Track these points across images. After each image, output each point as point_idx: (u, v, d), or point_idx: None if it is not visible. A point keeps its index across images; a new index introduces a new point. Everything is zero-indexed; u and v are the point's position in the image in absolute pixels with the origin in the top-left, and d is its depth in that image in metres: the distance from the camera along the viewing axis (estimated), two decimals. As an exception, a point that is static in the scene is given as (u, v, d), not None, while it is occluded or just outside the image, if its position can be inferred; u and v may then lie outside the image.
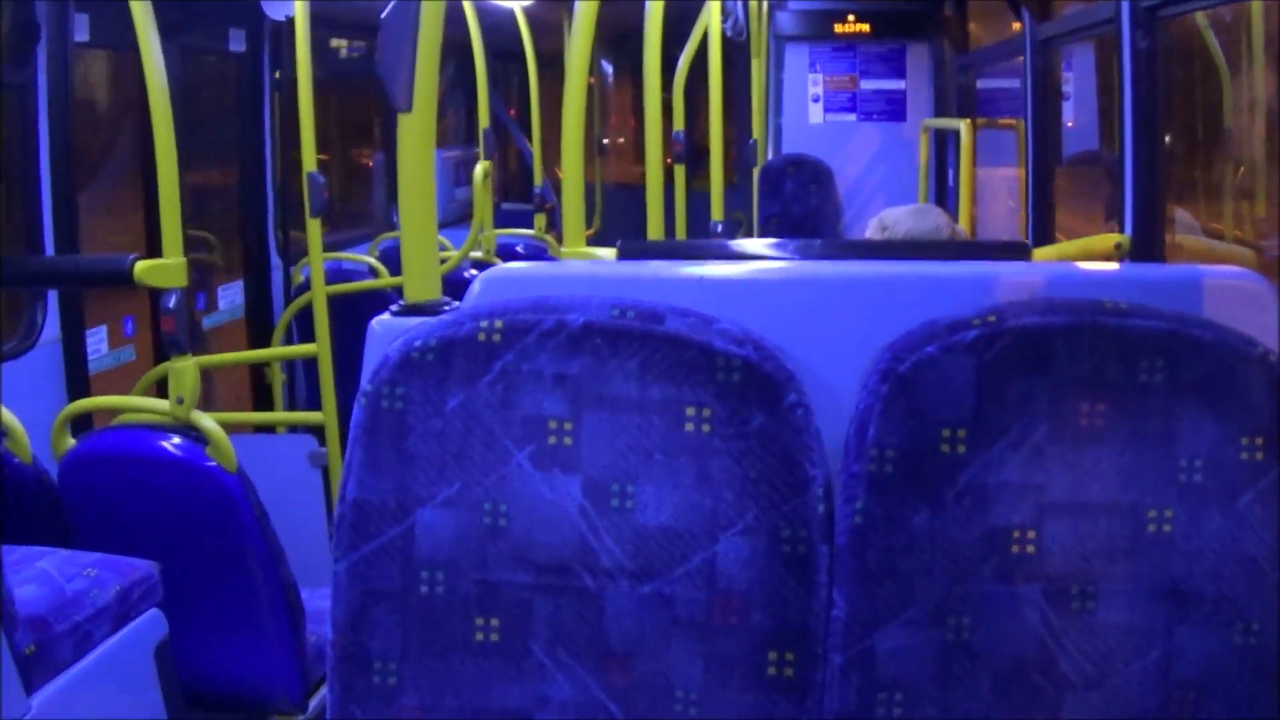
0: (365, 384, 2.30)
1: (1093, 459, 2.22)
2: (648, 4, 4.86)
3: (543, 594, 2.26)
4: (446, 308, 2.77)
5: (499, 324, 2.25)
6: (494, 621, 2.27)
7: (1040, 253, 4.51)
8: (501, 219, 10.44)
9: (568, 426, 2.24)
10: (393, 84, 2.71)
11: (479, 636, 2.27)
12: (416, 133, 2.78)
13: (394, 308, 2.81)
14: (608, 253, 3.07)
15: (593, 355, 2.23)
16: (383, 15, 2.70)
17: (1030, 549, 2.22)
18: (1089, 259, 4.38)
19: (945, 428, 2.21)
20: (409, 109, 2.73)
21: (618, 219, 11.94)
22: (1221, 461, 2.20)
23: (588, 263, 3.01)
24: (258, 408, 7.50)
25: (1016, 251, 3.15)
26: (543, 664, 2.27)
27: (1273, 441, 2.19)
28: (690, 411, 2.23)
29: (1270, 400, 2.19)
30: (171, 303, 4.14)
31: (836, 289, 2.53)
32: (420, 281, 2.84)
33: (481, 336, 2.25)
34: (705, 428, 2.23)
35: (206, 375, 6.54)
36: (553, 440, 2.25)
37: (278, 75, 7.56)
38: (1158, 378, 2.20)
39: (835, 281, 2.56)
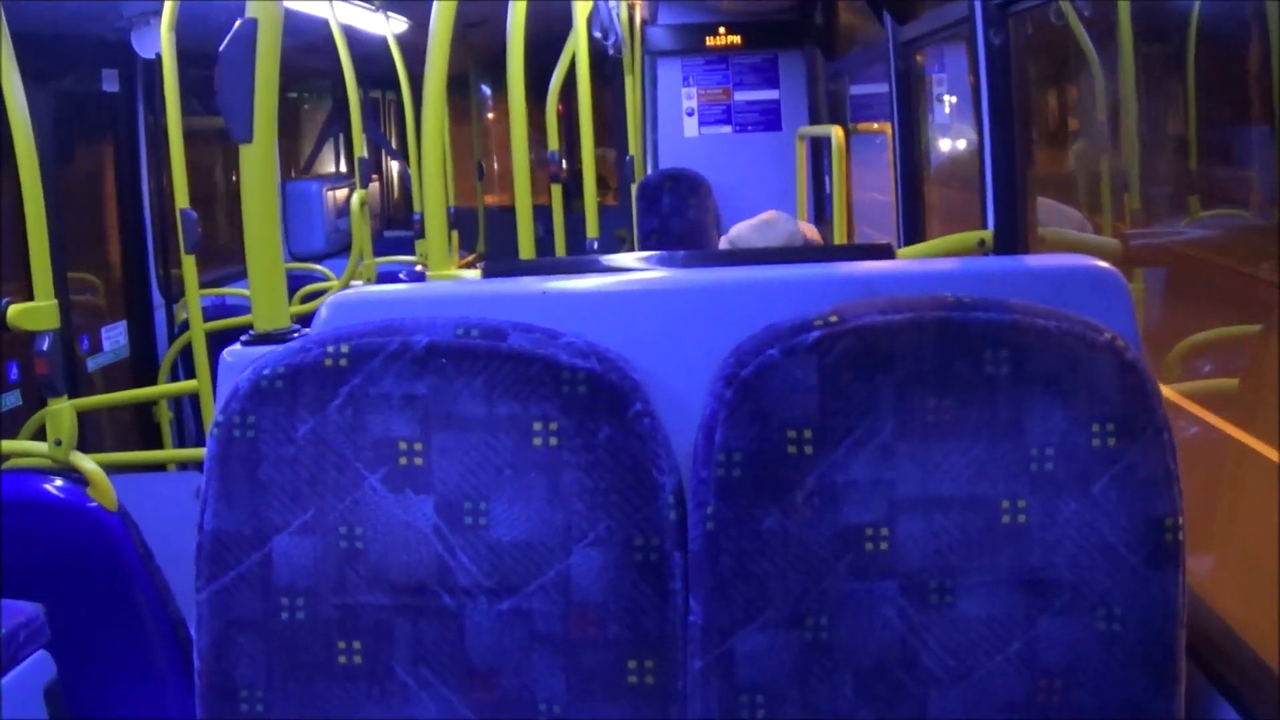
0: (217, 414, 2.31)
1: (942, 453, 2.24)
2: (509, 26, 4.88)
3: (402, 615, 2.27)
4: (295, 334, 2.78)
5: (345, 348, 2.26)
6: (356, 644, 2.28)
7: (904, 252, 4.55)
8: (384, 247, 10.41)
9: (418, 447, 2.26)
10: (233, 116, 2.72)
11: (342, 660, 2.28)
12: (258, 163, 2.78)
13: (244, 337, 2.82)
14: (475, 274, 3.08)
15: (439, 375, 2.25)
16: (220, 48, 2.71)
17: (884, 546, 2.24)
18: (952, 257, 4.41)
19: (791, 429, 2.23)
20: (249, 140, 2.74)
21: (503, 242, 11.94)
22: (1073, 449, 2.22)
23: (437, 284, 3.02)
24: (147, 447, 7.46)
25: (879, 253, 3.19)
26: (406, 684, 2.28)
27: (1124, 427, 2.22)
28: (538, 426, 2.25)
29: (1119, 387, 2.21)
30: (45, 345, 4.13)
31: (684, 298, 2.56)
32: (269, 310, 2.85)
33: (329, 362, 2.26)
34: (553, 441, 2.25)
35: (96, 416, 6.52)
36: (404, 461, 2.26)
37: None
38: (1004, 369, 2.22)
39: (683, 290, 2.59)
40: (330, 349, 2.27)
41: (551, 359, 2.25)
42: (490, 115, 15.45)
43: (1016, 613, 2.24)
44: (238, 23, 2.71)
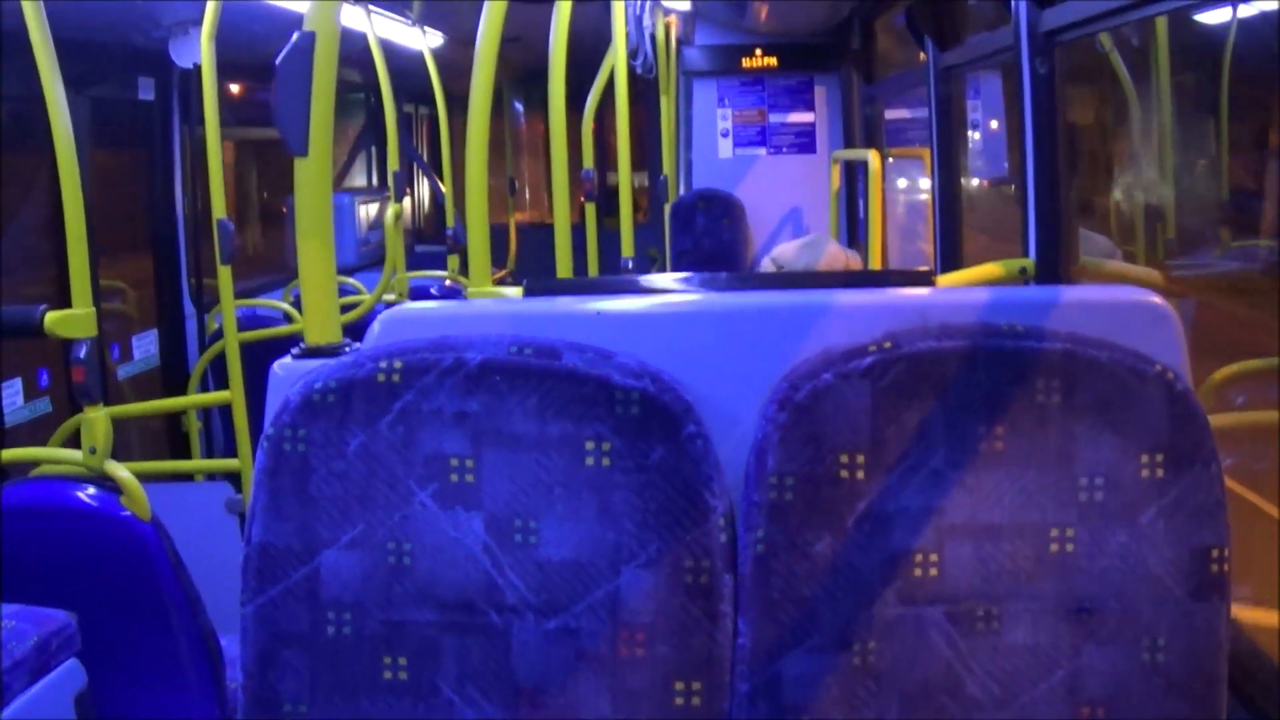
0: (268, 427, 2.31)
1: (992, 481, 2.23)
2: (551, 43, 4.87)
3: (449, 632, 2.27)
4: (347, 349, 2.78)
5: (398, 364, 2.26)
6: (402, 660, 2.27)
7: (944, 279, 4.54)
8: (416, 261, 10.43)
9: (469, 464, 2.25)
10: (288, 129, 2.71)
11: (387, 676, 2.28)
12: (313, 176, 2.77)
13: (295, 350, 2.81)
14: (515, 292, 3.08)
15: (492, 393, 2.25)
16: (277, 61, 2.70)
17: (933, 572, 2.24)
18: (994, 285, 4.40)
19: (843, 454, 2.23)
20: (305, 153, 2.73)
21: (533, 259, 11.94)
22: (1122, 480, 2.22)
23: (488, 301, 3.02)
24: (175, 456, 7.46)
25: (920, 279, 3.18)
26: (452, 701, 2.28)
27: (1173, 458, 2.21)
28: (590, 445, 2.24)
29: (1169, 418, 2.21)
30: (82, 353, 4.12)
31: (735, 320, 2.55)
32: (320, 324, 2.84)
33: (381, 377, 2.26)
34: (605, 461, 2.24)
35: (125, 425, 6.51)
36: (454, 478, 2.26)
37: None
38: (1055, 398, 2.22)
39: (734, 313, 2.58)
40: (383, 364, 2.27)
41: (605, 379, 2.25)
42: (525, 132, 15.46)
43: (1062, 641, 2.24)
44: (295, 35, 2.71)
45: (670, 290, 2.96)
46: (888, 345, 2.24)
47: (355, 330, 2.88)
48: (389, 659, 2.28)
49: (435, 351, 2.28)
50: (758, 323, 2.53)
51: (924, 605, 2.25)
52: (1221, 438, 2.28)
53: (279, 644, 2.29)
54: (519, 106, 15.14)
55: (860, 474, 2.23)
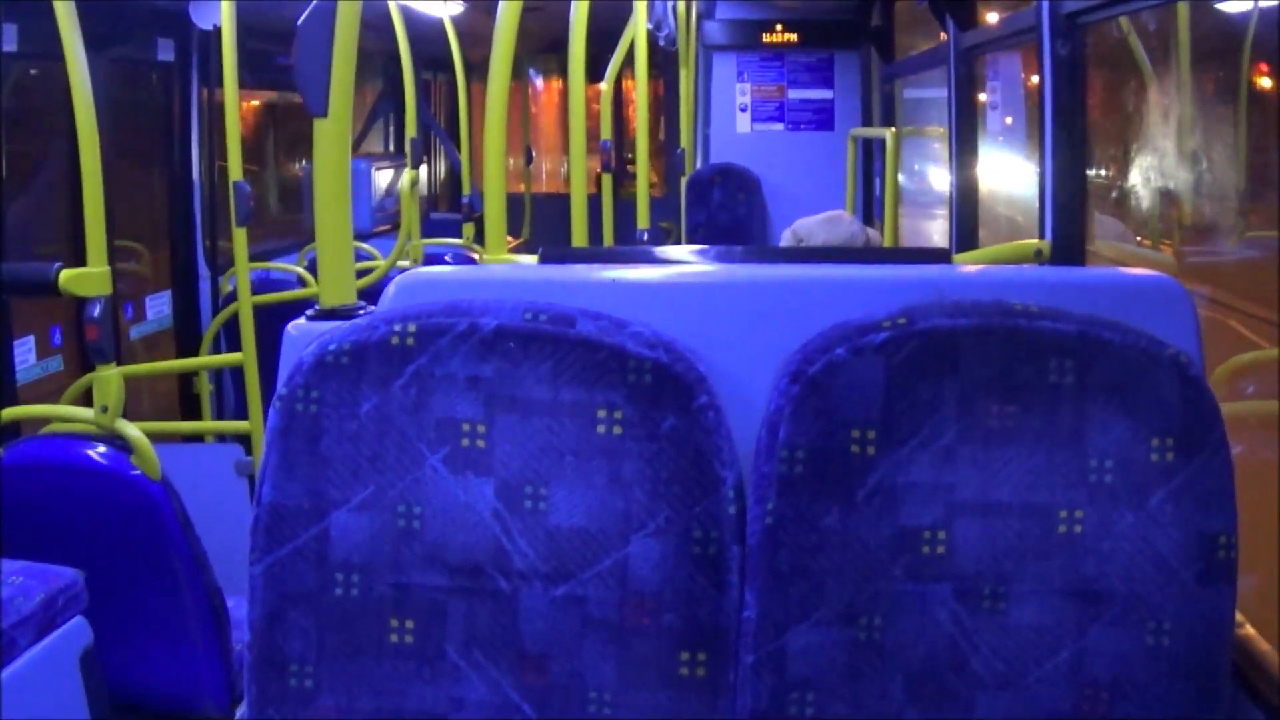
0: (281, 387, 2.30)
1: (1003, 459, 2.23)
2: (572, 12, 4.87)
3: (457, 596, 2.27)
4: (362, 312, 2.78)
5: (412, 327, 2.26)
6: (409, 623, 2.27)
7: (960, 258, 4.53)
8: (431, 228, 10.44)
9: (481, 429, 2.25)
10: (309, 89, 2.71)
11: (394, 638, 2.28)
12: (332, 138, 2.78)
13: (310, 312, 2.81)
14: (530, 260, 3.08)
15: (505, 358, 2.24)
16: (299, 21, 2.70)
17: (941, 549, 2.24)
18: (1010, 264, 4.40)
19: (855, 428, 2.22)
20: (325, 114, 2.74)
21: (548, 229, 11.96)
22: (1132, 462, 2.21)
23: (504, 266, 3.02)
24: (186, 417, 7.47)
25: (936, 257, 3.17)
26: (457, 666, 2.28)
27: (1183, 442, 2.21)
28: (602, 413, 2.24)
29: (1180, 401, 2.20)
30: (95, 311, 4.13)
31: (750, 292, 2.55)
32: (336, 286, 2.85)
33: (395, 340, 2.26)
34: (617, 429, 2.24)
35: (136, 385, 6.52)
36: (466, 443, 2.25)
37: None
38: (1068, 379, 2.21)
39: (749, 285, 2.58)
40: (397, 327, 2.27)
41: (619, 347, 2.24)
42: (543, 102, 15.47)
43: (1067, 622, 2.24)
44: None
45: (684, 262, 2.96)
46: (902, 321, 2.24)
47: (369, 295, 2.88)
48: (396, 621, 2.28)
49: (449, 316, 2.27)
50: (772, 295, 2.53)
51: (931, 582, 2.25)
52: (1230, 426, 2.27)
53: (286, 604, 2.29)
54: (537, 77, 15.14)
55: (871, 449, 2.23)
